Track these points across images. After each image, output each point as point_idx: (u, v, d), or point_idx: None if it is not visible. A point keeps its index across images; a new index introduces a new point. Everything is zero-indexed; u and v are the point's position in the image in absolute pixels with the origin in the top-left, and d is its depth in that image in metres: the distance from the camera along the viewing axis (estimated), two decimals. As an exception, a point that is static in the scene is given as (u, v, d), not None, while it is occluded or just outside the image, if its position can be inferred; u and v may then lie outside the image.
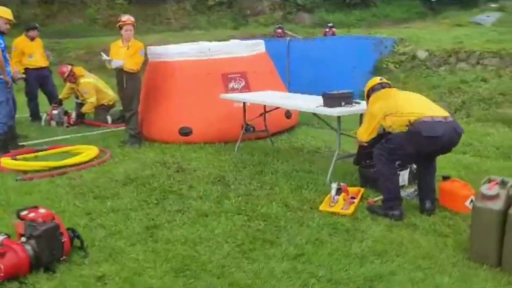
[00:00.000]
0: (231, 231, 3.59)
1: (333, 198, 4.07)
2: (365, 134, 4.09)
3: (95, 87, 8.04)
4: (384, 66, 9.93)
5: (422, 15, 22.96)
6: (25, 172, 5.18)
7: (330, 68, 9.53)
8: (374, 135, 4.07)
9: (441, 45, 9.86)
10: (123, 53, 6.37)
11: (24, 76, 7.23)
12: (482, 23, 16.82)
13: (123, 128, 7.63)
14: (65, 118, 7.93)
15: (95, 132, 7.37)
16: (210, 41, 7.61)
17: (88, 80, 8.12)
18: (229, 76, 6.57)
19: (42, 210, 3.04)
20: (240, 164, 5.30)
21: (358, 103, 4.77)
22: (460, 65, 9.23)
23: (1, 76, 5.84)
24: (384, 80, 4.25)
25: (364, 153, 4.47)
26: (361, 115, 4.80)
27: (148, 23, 21.71)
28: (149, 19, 22.34)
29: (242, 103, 6.37)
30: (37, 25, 8.47)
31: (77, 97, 8.27)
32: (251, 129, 6.33)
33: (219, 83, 6.52)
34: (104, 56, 6.43)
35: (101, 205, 4.14)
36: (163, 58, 6.72)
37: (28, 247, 2.89)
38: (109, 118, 8.13)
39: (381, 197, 4.02)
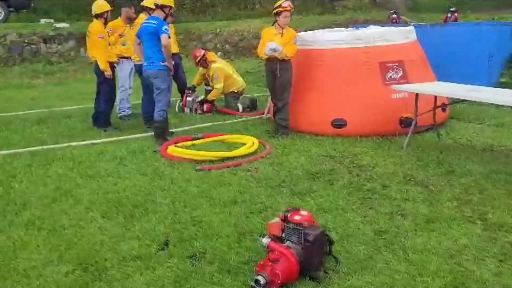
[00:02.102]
0: (478, 242, 3.24)
1: None
2: None
3: (224, 73, 7.92)
4: (521, 55, 9.13)
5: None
6: (195, 161, 5.10)
7: (464, 57, 8.83)
8: None
9: None
10: (277, 40, 6.13)
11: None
12: None
13: (257, 116, 7.51)
14: (198, 105, 7.86)
15: (230, 121, 7.23)
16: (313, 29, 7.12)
17: (219, 65, 8.01)
18: (387, 65, 6.16)
19: (304, 213, 2.83)
20: (419, 162, 4.92)
21: None
22: None
23: (166, 63, 5.80)
24: None
25: None
26: None
27: (233, 8, 21.61)
28: (233, 4, 22.23)
29: (403, 94, 6.01)
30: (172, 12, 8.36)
31: (207, 84, 8.21)
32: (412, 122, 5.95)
33: (376, 72, 6.13)
34: (274, 45, 6.10)
35: (304, 203, 3.92)
36: (315, 46, 6.41)
37: (296, 252, 2.69)
38: (240, 106, 8.00)
39: None
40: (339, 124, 6.09)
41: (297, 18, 15.95)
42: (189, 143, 5.89)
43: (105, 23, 6.62)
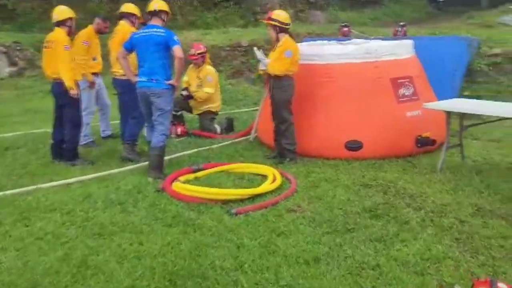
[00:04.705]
0: None
1: None
2: None
3: (217, 81, 7.05)
4: (478, 68, 9.41)
5: (432, 15, 22.94)
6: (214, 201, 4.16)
7: (429, 71, 8.84)
8: None
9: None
10: (270, 56, 5.47)
11: None
12: (510, 24, 16.80)
13: (240, 139, 6.69)
14: (172, 128, 6.76)
15: (216, 146, 6.31)
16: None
17: (214, 69, 7.17)
18: (398, 81, 5.74)
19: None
20: (467, 188, 4.49)
21: None
22: None
23: (171, 82, 4.80)
24: None
25: None
26: None
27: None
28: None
29: (416, 113, 5.64)
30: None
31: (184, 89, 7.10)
32: (432, 142, 5.60)
33: (388, 89, 5.68)
34: (258, 54, 5.48)
35: (399, 253, 3.23)
36: (319, 61, 5.78)
37: None
38: (217, 128, 7.10)
39: None
40: (354, 146, 5.51)
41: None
42: (191, 176, 4.91)
43: (69, 33, 5.37)
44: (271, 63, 5.42)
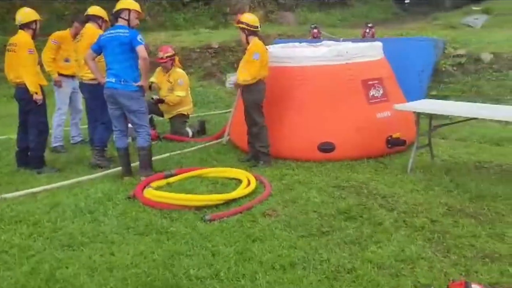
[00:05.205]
0: None
1: None
2: None
3: (188, 84, 6.97)
4: (443, 69, 9.64)
5: (398, 16, 23.42)
6: (192, 207, 4.09)
7: (398, 72, 9.00)
8: None
9: (499, 48, 9.72)
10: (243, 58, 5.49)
11: None
12: (472, 25, 17.31)
13: (214, 142, 6.63)
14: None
15: (188, 150, 6.23)
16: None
17: (184, 72, 7.05)
18: (369, 82, 5.80)
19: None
20: (437, 187, 4.56)
21: None
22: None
23: (139, 83, 4.74)
24: None
25: None
26: None
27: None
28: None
29: (386, 114, 5.71)
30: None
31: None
32: (403, 142, 5.68)
33: (359, 90, 5.73)
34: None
35: (374, 254, 3.24)
36: (290, 63, 5.78)
37: None
38: (189, 131, 7.01)
39: None
40: (327, 148, 5.53)
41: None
42: (163, 182, 4.82)
43: (33, 36, 5.18)
44: (240, 70, 5.45)
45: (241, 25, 5.31)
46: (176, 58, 7.06)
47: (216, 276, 2.98)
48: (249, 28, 5.29)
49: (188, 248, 3.35)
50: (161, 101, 6.86)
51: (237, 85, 5.58)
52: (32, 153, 5.20)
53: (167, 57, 6.79)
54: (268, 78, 5.46)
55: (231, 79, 5.37)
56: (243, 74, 5.32)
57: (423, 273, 3.02)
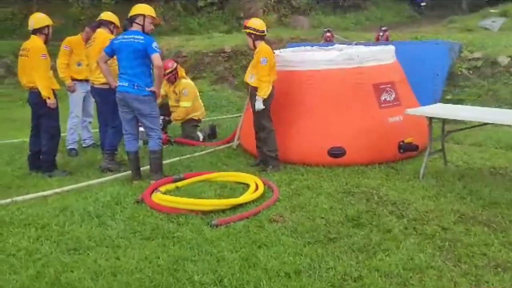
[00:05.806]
0: None
1: None
2: None
3: (195, 92, 6.96)
4: (459, 72, 9.48)
5: (414, 19, 23.14)
6: (200, 212, 4.08)
7: (410, 75, 8.87)
8: None
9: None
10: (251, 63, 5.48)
11: None
12: (490, 28, 17.01)
13: (223, 146, 6.62)
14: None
15: (198, 154, 6.23)
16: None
17: (189, 81, 7.09)
18: (381, 86, 5.72)
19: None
20: (450, 194, 4.46)
21: None
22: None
23: (152, 88, 4.79)
24: None
25: None
26: None
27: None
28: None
29: (398, 118, 5.63)
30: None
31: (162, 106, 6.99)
32: (415, 147, 5.59)
33: (370, 94, 5.66)
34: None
35: (382, 262, 3.18)
36: (300, 67, 5.74)
37: None
38: (200, 135, 7.01)
39: None
40: (337, 153, 5.47)
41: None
42: (172, 186, 4.82)
43: (46, 41, 5.25)
44: (247, 73, 5.46)
45: (248, 30, 5.31)
46: (181, 70, 7.02)
47: (220, 282, 2.95)
48: (255, 32, 5.28)
49: (193, 253, 3.33)
50: (169, 122, 6.92)
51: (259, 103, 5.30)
52: (44, 157, 5.25)
53: (168, 73, 6.71)
54: (277, 82, 5.44)
55: (257, 103, 5.28)
56: (261, 91, 5.22)
57: (432, 282, 2.95)
